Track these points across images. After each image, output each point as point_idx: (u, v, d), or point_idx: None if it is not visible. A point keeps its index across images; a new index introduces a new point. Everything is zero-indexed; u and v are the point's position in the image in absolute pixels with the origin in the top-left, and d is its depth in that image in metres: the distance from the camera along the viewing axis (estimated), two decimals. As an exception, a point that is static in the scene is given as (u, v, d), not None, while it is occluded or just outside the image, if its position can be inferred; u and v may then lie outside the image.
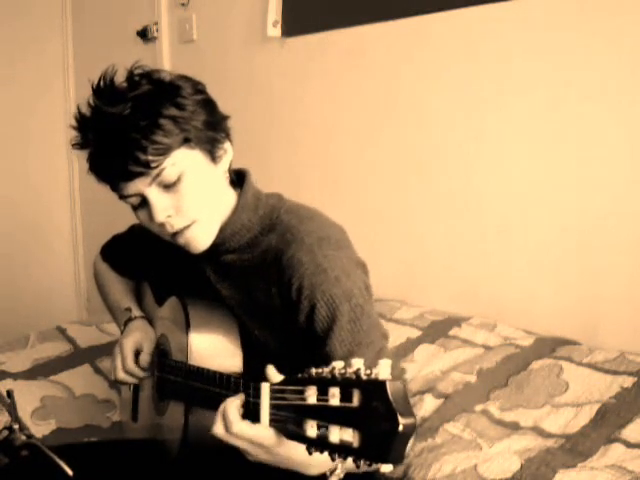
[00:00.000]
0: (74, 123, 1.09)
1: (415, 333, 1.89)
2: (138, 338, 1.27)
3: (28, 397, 1.67)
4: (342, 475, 0.88)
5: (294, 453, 0.89)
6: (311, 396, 0.73)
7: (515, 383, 1.61)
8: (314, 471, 0.94)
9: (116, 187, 1.08)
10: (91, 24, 3.28)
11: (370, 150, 2.29)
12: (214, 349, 1.14)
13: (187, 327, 1.15)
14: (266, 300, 1.13)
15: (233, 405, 0.90)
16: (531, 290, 1.95)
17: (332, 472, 0.88)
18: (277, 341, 1.15)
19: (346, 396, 0.69)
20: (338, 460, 0.71)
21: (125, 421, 1.45)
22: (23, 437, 1.00)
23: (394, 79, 2.20)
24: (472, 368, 1.68)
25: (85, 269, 3.42)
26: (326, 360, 1.03)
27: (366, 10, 2.20)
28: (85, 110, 1.07)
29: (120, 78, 1.08)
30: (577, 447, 1.36)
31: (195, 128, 1.06)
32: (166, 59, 2.92)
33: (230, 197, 1.16)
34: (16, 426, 1.01)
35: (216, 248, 1.14)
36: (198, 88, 1.10)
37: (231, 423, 0.89)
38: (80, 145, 1.09)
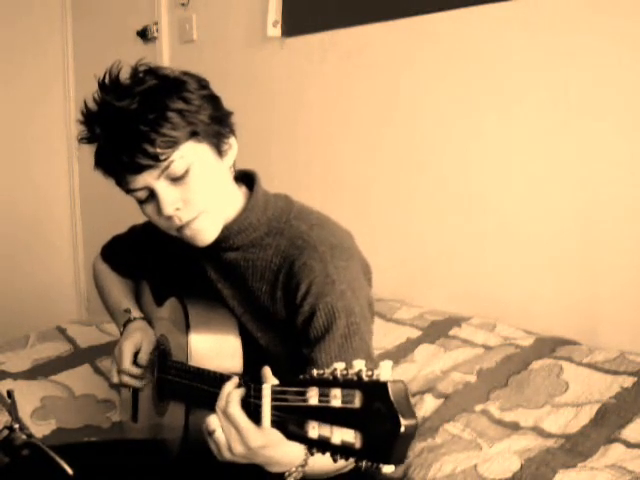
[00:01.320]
0: (81, 117, 1.09)
1: (415, 333, 1.89)
2: (137, 339, 1.27)
3: (28, 397, 1.67)
4: (299, 477, 0.89)
5: (279, 456, 0.90)
6: (313, 397, 0.73)
7: (515, 383, 1.61)
8: (277, 469, 0.94)
9: (123, 181, 1.08)
10: (91, 24, 3.28)
11: (370, 150, 2.29)
12: (214, 349, 1.15)
13: (187, 327, 1.15)
14: (269, 302, 1.14)
15: (237, 393, 0.90)
16: (531, 290, 1.95)
17: (290, 474, 0.91)
18: (277, 342, 1.15)
19: (348, 397, 0.69)
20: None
21: (125, 421, 1.45)
22: (23, 436, 1.00)
23: (394, 79, 2.20)
24: (472, 368, 1.68)
25: (85, 269, 3.42)
26: (308, 364, 1.05)
27: (366, 10, 2.20)
28: (91, 105, 1.08)
29: (125, 75, 1.08)
30: (577, 447, 1.36)
31: (202, 122, 1.07)
32: (166, 59, 2.92)
33: (236, 194, 1.17)
34: (16, 426, 1.01)
35: (219, 245, 1.15)
36: (202, 84, 1.11)
37: (229, 403, 0.89)
38: (87, 139, 1.09)
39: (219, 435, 0.90)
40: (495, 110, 1.98)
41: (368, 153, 2.30)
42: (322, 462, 0.89)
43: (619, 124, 1.75)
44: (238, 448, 0.90)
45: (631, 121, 1.73)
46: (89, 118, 1.08)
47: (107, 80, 1.07)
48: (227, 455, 0.92)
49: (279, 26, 2.41)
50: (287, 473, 0.91)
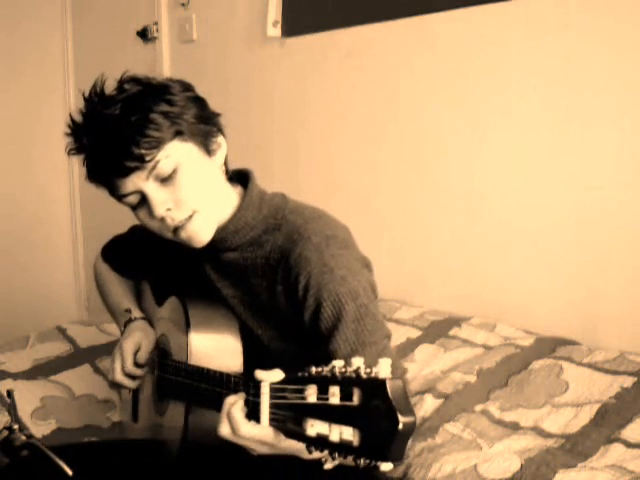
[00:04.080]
0: (68, 130, 1.11)
1: (415, 333, 1.89)
2: (138, 339, 1.27)
3: (28, 397, 1.67)
4: (337, 462, 0.89)
5: (295, 443, 0.89)
6: (311, 395, 0.73)
7: (515, 383, 1.61)
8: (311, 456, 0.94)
9: (114, 187, 1.09)
10: (91, 24, 3.28)
11: (371, 150, 2.29)
12: (214, 349, 1.15)
13: (187, 327, 1.15)
14: (269, 299, 1.14)
15: (237, 407, 0.90)
16: (531, 290, 1.95)
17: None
18: (278, 340, 1.15)
19: (346, 395, 0.69)
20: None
21: (125, 421, 1.45)
22: (23, 437, 1.00)
23: (394, 79, 2.20)
24: (472, 368, 1.68)
25: (85, 269, 3.42)
26: (329, 358, 1.04)
27: (366, 10, 2.20)
28: (77, 117, 1.09)
29: (111, 88, 1.09)
30: (577, 447, 1.36)
31: (186, 122, 1.08)
32: (166, 59, 2.92)
33: (230, 194, 1.17)
34: (16, 426, 1.01)
35: (217, 245, 1.15)
36: (187, 87, 1.12)
37: (238, 425, 0.89)
38: (75, 150, 1.11)
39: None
40: (495, 111, 1.98)
41: (368, 153, 2.30)
42: None
43: (620, 126, 1.75)
44: (265, 450, 0.90)
45: (632, 121, 1.73)
46: (75, 129, 1.10)
47: (92, 93, 1.09)
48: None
49: (279, 26, 2.41)
50: (324, 458, 0.91)
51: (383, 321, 1.11)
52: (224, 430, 0.91)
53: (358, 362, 0.70)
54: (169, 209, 1.07)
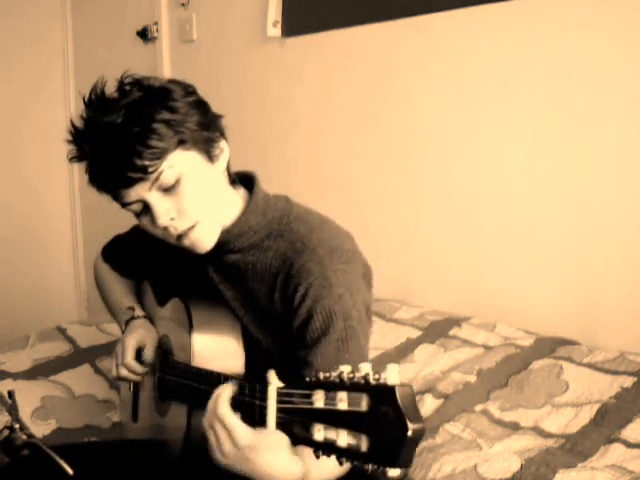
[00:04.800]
0: (69, 137, 1.09)
1: (415, 333, 1.89)
2: (141, 336, 1.27)
3: (28, 397, 1.67)
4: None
5: (269, 463, 0.91)
6: (318, 400, 0.74)
7: (515, 383, 1.61)
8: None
9: (117, 195, 1.09)
10: (91, 24, 3.28)
11: (371, 149, 2.29)
12: (217, 350, 1.15)
13: (190, 328, 1.15)
14: (267, 304, 1.14)
15: (225, 391, 0.92)
16: (531, 290, 1.95)
17: None
18: (276, 344, 1.15)
19: (354, 400, 0.69)
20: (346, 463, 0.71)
21: (125, 421, 1.45)
22: (24, 436, 1.00)
23: (393, 79, 2.20)
24: (472, 368, 1.68)
25: (85, 269, 3.42)
26: (304, 367, 1.06)
27: (365, 10, 2.21)
28: (79, 123, 1.08)
29: (112, 89, 1.08)
30: (577, 447, 1.36)
31: (189, 129, 1.07)
32: (166, 59, 2.92)
33: (234, 198, 1.17)
34: (17, 426, 1.01)
35: (220, 248, 1.15)
36: (189, 90, 1.11)
37: (217, 405, 0.91)
38: (77, 157, 1.10)
39: (209, 436, 0.92)
40: (494, 111, 1.98)
41: (369, 152, 2.30)
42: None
43: (620, 125, 1.75)
44: (227, 447, 0.91)
45: (632, 125, 1.73)
46: (77, 137, 1.09)
47: (93, 97, 1.07)
48: (218, 457, 0.93)
49: (279, 26, 2.41)
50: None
51: (366, 348, 1.12)
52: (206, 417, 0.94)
53: (366, 368, 0.70)
54: (172, 218, 1.07)
